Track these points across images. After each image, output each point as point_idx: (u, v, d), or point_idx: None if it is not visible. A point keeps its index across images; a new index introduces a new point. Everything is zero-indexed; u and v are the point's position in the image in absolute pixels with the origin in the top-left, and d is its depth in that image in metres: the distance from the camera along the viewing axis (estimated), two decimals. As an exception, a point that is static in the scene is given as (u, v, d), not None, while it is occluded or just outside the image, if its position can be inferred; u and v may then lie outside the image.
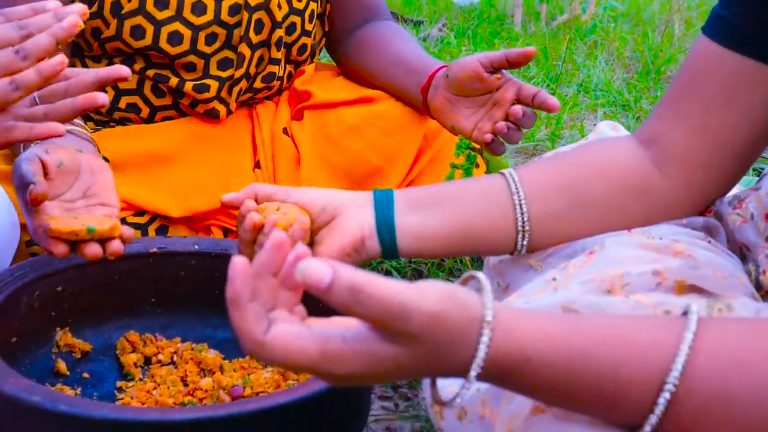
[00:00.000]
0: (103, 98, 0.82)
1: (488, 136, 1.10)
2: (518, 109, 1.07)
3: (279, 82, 1.31)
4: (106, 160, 1.17)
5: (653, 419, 0.53)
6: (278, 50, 1.27)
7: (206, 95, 1.24)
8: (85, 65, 1.23)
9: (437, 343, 0.50)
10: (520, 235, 0.81)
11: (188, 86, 1.22)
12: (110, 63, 1.21)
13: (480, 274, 0.54)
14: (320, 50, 1.41)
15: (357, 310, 0.48)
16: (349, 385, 0.51)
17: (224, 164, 1.24)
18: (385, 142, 1.26)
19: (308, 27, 1.30)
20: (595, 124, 2.09)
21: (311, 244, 0.85)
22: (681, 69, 0.81)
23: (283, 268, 0.51)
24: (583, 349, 0.53)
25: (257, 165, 1.28)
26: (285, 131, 1.29)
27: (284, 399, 0.73)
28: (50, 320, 0.97)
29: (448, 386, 0.57)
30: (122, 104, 1.24)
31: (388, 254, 0.83)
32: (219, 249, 1.03)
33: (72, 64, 1.22)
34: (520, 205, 0.80)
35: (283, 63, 1.30)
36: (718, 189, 0.81)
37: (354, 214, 0.83)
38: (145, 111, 1.26)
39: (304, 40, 1.30)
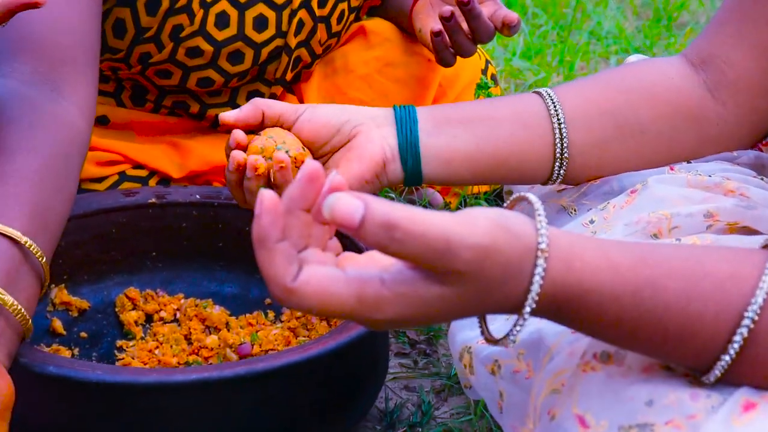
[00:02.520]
0: None
1: (437, 27, 1.01)
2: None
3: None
4: (108, 119, 1.11)
5: (726, 360, 0.47)
6: (305, 69, 1.18)
7: (217, 100, 1.14)
8: None
9: (488, 278, 0.44)
10: (557, 163, 0.73)
11: (210, 114, 1.12)
12: (119, 87, 1.10)
13: (532, 196, 0.48)
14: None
15: (394, 249, 0.42)
16: (391, 328, 0.45)
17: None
18: (398, 92, 1.18)
19: (342, 40, 1.20)
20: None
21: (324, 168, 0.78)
22: None
23: (317, 201, 0.45)
24: (652, 280, 0.46)
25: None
26: (290, 89, 1.21)
27: (295, 357, 0.68)
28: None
29: (492, 323, 0.52)
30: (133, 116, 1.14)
31: (411, 180, 0.75)
32: (222, 198, 0.97)
33: None
34: (560, 129, 0.72)
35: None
36: (758, 127, 0.74)
37: (374, 135, 0.74)
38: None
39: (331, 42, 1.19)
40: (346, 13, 1.13)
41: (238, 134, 0.75)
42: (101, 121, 1.10)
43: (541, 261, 0.45)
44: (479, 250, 0.43)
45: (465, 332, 0.63)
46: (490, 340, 0.49)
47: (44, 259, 0.68)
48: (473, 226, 0.43)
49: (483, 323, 0.51)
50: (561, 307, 0.47)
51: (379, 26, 1.19)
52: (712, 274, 0.47)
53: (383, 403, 0.90)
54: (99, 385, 0.62)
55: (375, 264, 0.45)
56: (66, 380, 0.63)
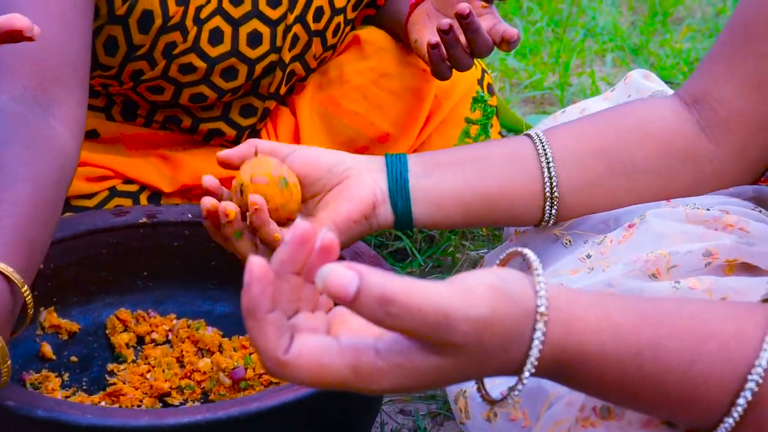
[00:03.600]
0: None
1: (434, 39, 0.98)
2: (464, 7, 0.95)
3: None
4: (98, 133, 1.09)
5: (729, 422, 0.46)
6: (300, 82, 1.17)
7: (220, 140, 1.13)
8: None
9: (487, 348, 0.43)
10: (548, 203, 0.73)
11: (202, 128, 1.10)
12: (109, 102, 1.08)
13: (529, 253, 0.47)
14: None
15: (390, 324, 0.41)
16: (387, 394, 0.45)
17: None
18: (393, 104, 1.16)
19: (338, 51, 1.18)
20: (603, 70, 2.00)
21: (308, 213, 0.77)
22: (732, 20, 0.72)
23: (308, 263, 0.44)
24: (654, 342, 0.46)
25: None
26: (282, 102, 1.19)
27: (289, 397, 0.67)
28: (33, 300, 0.89)
29: (490, 380, 0.51)
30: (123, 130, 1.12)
31: (401, 223, 0.75)
32: (214, 218, 0.95)
33: None
34: (548, 168, 0.72)
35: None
36: (750, 168, 0.73)
37: (365, 178, 0.74)
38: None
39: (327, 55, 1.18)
40: (342, 25, 1.12)
41: (207, 181, 0.76)
42: (91, 135, 1.09)
43: (540, 325, 0.44)
44: (478, 322, 0.42)
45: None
46: (488, 401, 0.48)
47: (29, 296, 0.67)
48: (471, 297, 0.42)
49: (481, 384, 0.50)
50: (561, 369, 0.46)
51: (373, 36, 1.17)
52: (715, 335, 0.46)
53: (379, 428, 0.89)
54: (90, 429, 0.61)
55: (369, 331, 0.44)
56: (55, 424, 0.62)
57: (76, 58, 0.83)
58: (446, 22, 0.97)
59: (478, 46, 0.97)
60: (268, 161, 0.75)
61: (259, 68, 1.05)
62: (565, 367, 0.46)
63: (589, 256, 0.67)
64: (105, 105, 1.09)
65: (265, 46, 1.04)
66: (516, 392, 0.46)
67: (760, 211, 0.69)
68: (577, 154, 0.72)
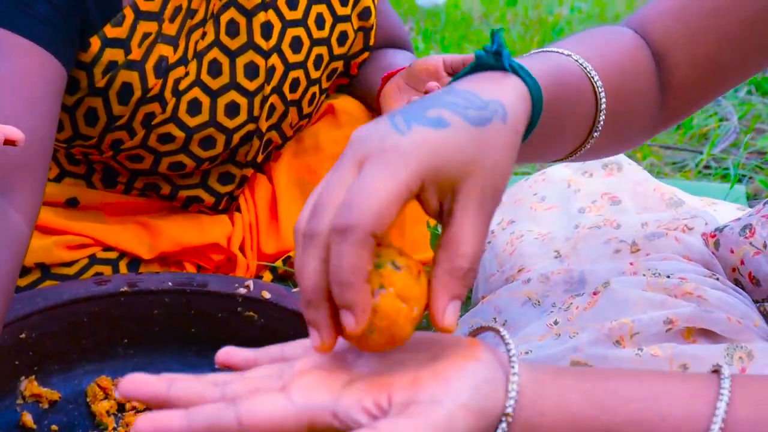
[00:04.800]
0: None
1: None
2: (433, 86, 0.99)
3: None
4: (77, 201, 1.11)
5: None
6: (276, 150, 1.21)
7: (199, 206, 1.16)
8: (57, 161, 1.12)
9: None
10: (601, 101, 0.65)
11: (181, 195, 1.13)
12: (90, 169, 1.11)
13: (505, 333, 0.49)
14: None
15: None
16: None
17: (195, 214, 1.18)
18: None
19: (313, 119, 1.22)
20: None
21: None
22: None
23: None
24: (608, 429, 0.48)
25: (237, 209, 1.20)
26: (260, 169, 1.23)
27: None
28: (14, 369, 0.90)
29: None
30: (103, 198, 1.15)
31: None
32: (195, 285, 0.98)
33: None
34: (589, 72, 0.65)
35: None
36: (685, 116, 0.74)
37: None
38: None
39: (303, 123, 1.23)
40: (317, 95, 1.16)
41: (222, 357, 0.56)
42: (71, 203, 1.11)
43: (503, 425, 0.46)
44: None
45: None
46: None
47: None
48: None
49: None
50: None
51: (347, 105, 1.22)
52: (668, 417, 0.48)
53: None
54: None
55: (326, 388, 0.45)
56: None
57: (41, 145, 0.84)
58: (432, 85, 1.01)
59: None
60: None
61: (236, 137, 1.09)
62: None
63: (556, 323, 0.70)
64: (85, 172, 1.11)
65: (242, 117, 1.08)
66: None
67: (717, 279, 0.73)
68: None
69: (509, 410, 0.46)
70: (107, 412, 0.93)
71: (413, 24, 3.12)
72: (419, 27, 3.08)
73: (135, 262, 1.12)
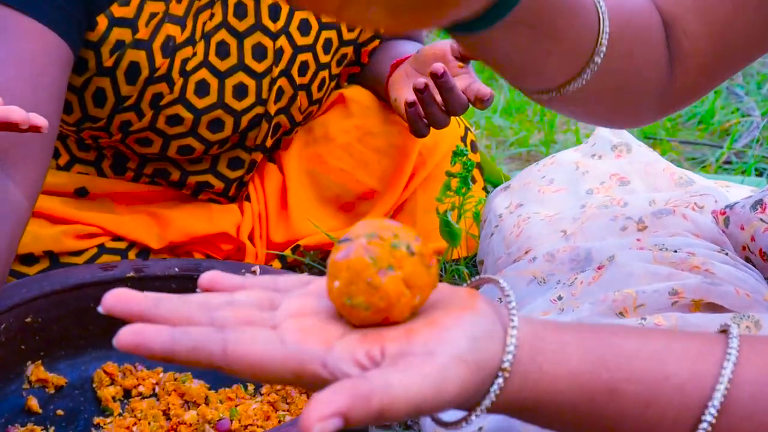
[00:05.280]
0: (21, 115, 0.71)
1: (411, 98, 1.03)
2: (439, 67, 0.98)
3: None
4: (87, 191, 1.12)
5: None
6: (285, 136, 1.21)
7: (208, 194, 1.16)
8: (67, 146, 1.13)
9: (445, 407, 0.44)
10: (603, 21, 0.61)
11: (191, 181, 1.13)
12: (100, 155, 1.12)
13: (504, 283, 0.47)
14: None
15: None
16: None
17: (206, 203, 1.17)
18: (378, 161, 1.19)
19: (323, 107, 1.23)
20: (588, 128, 2.04)
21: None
22: None
23: None
24: (611, 386, 0.46)
25: (246, 198, 1.20)
26: (270, 159, 1.23)
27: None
28: (20, 354, 0.90)
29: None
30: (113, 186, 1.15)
31: None
32: (201, 271, 0.97)
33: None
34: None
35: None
36: (697, 95, 0.71)
37: None
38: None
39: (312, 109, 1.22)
40: (327, 80, 1.15)
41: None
42: (80, 193, 1.11)
43: (500, 380, 0.45)
44: (446, 405, 0.43)
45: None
46: (440, 423, 0.49)
47: None
48: (442, 385, 0.42)
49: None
50: (512, 412, 0.47)
51: (358, 95, 1.21)
52: (673, 376, 0.47)
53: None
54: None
55: (320, 334, 0.44)
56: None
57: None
58: (421, 81, 1.01)
59: (453, 104, 1.01)
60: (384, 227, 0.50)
61: (245, 120, 1.08)
62: (516, 411, 0.47)
63: (560, 298, 0.68)
64: (95, 159, 1.12)
65: (250, 99, 1.07)
66: (464, 424, 0.47)
67: (726, 254, 0.71)
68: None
69: (506, 365, 0.44)
70: (113, 397, 0.93)
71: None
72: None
73: (144, 252, 1.12)
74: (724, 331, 0.49)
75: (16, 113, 0.67)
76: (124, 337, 0.42)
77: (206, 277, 0.49)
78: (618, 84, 0.65)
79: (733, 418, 0.46)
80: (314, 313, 0.45)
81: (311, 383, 0.42)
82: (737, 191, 0.91)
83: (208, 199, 1.17)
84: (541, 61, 0.60)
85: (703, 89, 0.71)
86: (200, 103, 1.05)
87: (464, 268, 1.21)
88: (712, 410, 0.46)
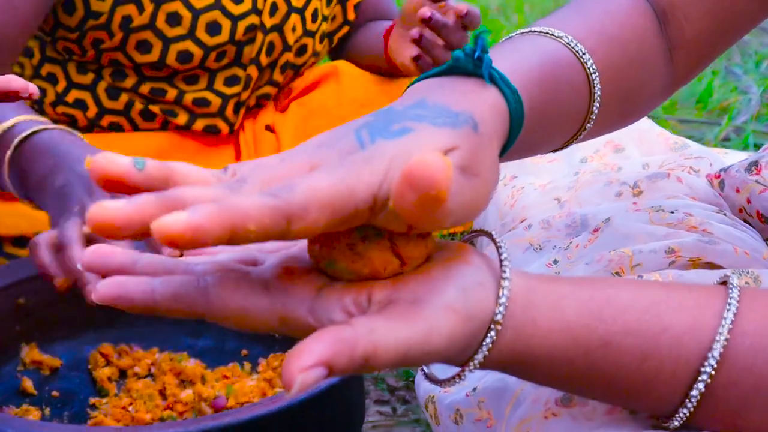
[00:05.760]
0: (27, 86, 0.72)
1: (414, 51, 1.09)
2: (425, 11, 1.03)
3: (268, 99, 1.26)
4: None
5: (684, 413, 0.46)
6: (282, 73, 1.22)
7: (206, 110, 1.17)
8: (66, 72, 1.15)
9: (435, 359, 0.43)
10: (595, 85, 0.59)
11: (188, 99, 1.15)
12: (99, 75, 1.14)
13: (497, 236, 0.45)
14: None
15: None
16: None
17: (205, 165, 1.17)
18: None
19: (318, 48, 1.25)
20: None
21: None
22: None
23: None
24: (606, 339, 0.45)
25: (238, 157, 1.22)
26: (268, 128, 1.23)
27: (263, 410, 0.66)
28: (14, 335, 0.90)
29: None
30: (104, 122, 1.17)
31: None
32: (195, 251, 0.96)
33: (52, 74, 1.15)
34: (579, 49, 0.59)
35: (282, 83, 1.25)
36: (697, 73, 0.69)
37: None
38: (128, 129, 1.18)
39: (311, 60, 1.27)
40: (320, 12, 1.19)
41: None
42: None
43: (492, 333, 0.43)
44: (434, 356, 0.41)
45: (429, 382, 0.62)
46: (433, 380, 0.48)
47: None
48: (429, 335, 0.40)
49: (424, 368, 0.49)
50: (506, 367, 0.46)
51: (351, 68, 1.26)
52: (670, 328, 0.45)
53: (361, 452, 0.89)
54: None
55: (309, 279, 0.42)
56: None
57: (15, 20, 0.89)
58: (426, 10, 1.04)
59: (451, 37, 1.05)
60: None
61: (241, 27, 1.12)
62: (510, 366, 0.46)
63: (555, 262, 0.67)
64: (92, 82, 1.13)
65: (246, 5, 1.12)
66: (457, 380, 0.46)
67: (725, 214, 0.70)
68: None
69: (498, 317, 0.43)
70: (109, 378, 0.92)
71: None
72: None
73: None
74: (724, 282, 0.48)
75: (15, 82, 0.66)
76: (104, 289, 0.40)
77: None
78: (621, 107, 0.64)
79: (732, 371, 0.45)
80: (299, 264, 0.44)
81: (297, 330, 0.41)
82: (735, 156, 0.89)
83: (204, 128, 1.17)
84: (546, 143, 0.61)
85: (703, 65, 0.70)
86: (199, 3, 1.09)
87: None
88: (712, 362, 0.44)
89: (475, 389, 0.57)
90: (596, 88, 0.58)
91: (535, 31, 0.58)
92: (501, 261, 0.45)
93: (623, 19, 0.63)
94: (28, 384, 0.89)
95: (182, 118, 1.16)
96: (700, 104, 1.93)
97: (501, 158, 0.50)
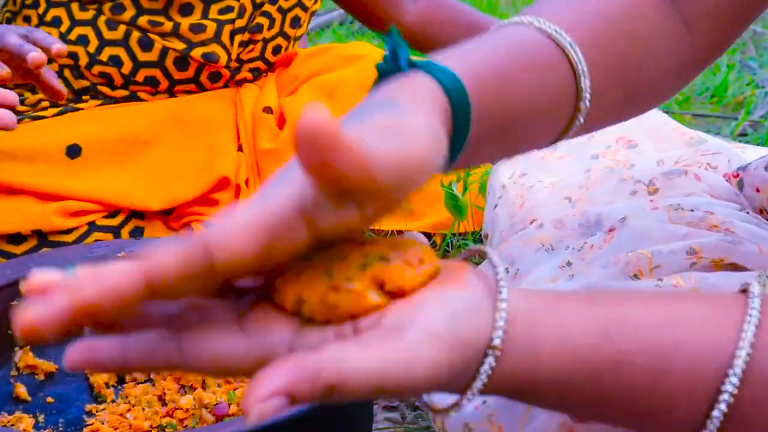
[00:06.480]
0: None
1: None
2: None
3: (263, 45, 1.25)
4: (79, 148, 1.09)
5: None
6: (273, 4, 1.23)
7: (203, 36, 1.18)
8: (70, 12, 1.16)
9: (423, 391, 0.40)
10: (582, 77, 0.55)
11: (184, 27, 1.16)
12: (99, 11, 1.16)
13: (492, 254, 0.42)
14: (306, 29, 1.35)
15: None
16: None
17: (207, 147, 1.16)
18: None
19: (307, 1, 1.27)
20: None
21: None
22: None
23: None
24: (616, 360, 0.42)
25: (240, 148, 1.19)
26: (267, 110, 1.21)
27: (266, 420, 0.63)
28: (7, 339, 0.87)
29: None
30: (104, 56, 1.16)
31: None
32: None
33: (57, 17, 1.17)
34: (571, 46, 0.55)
35: (276, 24, 1.25)
36: (723, 49, 0.65)
37: None
38: (128, 65, 1.17)
39: (297, 12, 1.26)
40: None
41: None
42: (72, 153, 1.09)
43: (490, 359, 0.40)
44: (419, 386, 0.38)
45: (437, 395, 0.58)
46: (433, 409, 0.44)
47: None
48: (412, 364, 0.37)
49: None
50: (511, 393, 0.42)
51: (367, 49, 1.29)
52: (686, 344, 0.42)
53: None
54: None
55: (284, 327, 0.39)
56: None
57: None
58: None
59: None
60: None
61: None
62: (514, 392, 0.42)
63: (569, 264, 0.64)
64: (93, 18, 1.15)
65: None
66: (456, 409, 0.42)
67: (747, 213, 0.66)
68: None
69: (496, 342, 0.40)
70: (106, 383, 0.89)
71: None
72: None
73: (138, 231, 1.08)
74: (744, 291, 0.45)
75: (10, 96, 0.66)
76: (72, 356, 0.38)
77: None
78: (624, 90, 0.59)
79: (757, 387, 0.41)
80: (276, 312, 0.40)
81: None
82: (753, 152, 0.86)
83: (202, 55, 1.17)
84: (528, 141, 0.57)
85: (729, 40, 0.65)
86: None
87: (471, 243, 1.17)
88: (733, 379, 0.41)
89: (485, 402, 0.54)
90: (580, 64, 0.54)
91: (506, 24, 0.55)
92: (498, 281, 0.41)
93: (624, 3, 0.59)
94: (21, 390, 0.86)
95: (179, 46, 1.17)
96: (716, 98, 1.89)
97: (486, 146, 0.49)
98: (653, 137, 0.84)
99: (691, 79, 0.66)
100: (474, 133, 0.48)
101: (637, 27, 0.59)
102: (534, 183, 0.84)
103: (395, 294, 0.39)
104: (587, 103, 0.55)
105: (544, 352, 0.41)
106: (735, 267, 0.60)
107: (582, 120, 0.55)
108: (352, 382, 0.36)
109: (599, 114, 0.57)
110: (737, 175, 0.72)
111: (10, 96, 0.75)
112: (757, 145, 1.61)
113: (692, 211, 0.64)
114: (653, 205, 0.66)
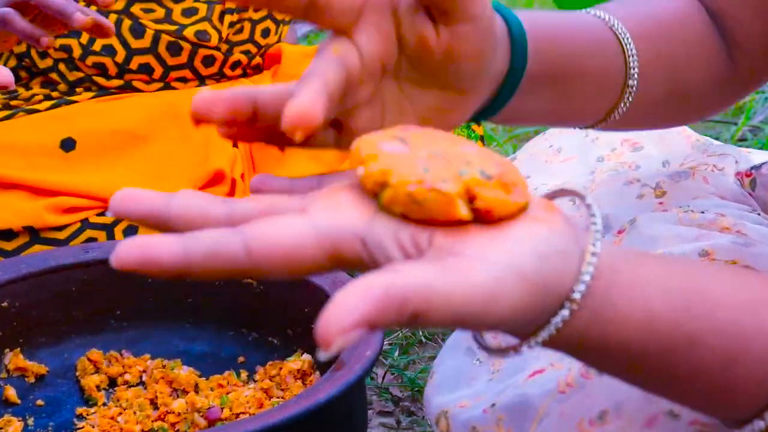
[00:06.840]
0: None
1: None
2: None
3: (251, 26, 1.24)
4: (74, 141, 1.07)
5: (760, 425, 0.40)
6: None
7: (194, 17, 1.18)
8: None
9: (498, 327, 0.37)
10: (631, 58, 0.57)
11: (176, 13, 1.16)
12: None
13: (591, 200, 0.40)
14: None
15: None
16: None
17: (203, 141, 1.14)
18: None
19: None
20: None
21: None
22: None
23: None
24: (692, 337, 0.40)
25: (235, 143, 1.18)
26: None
27: (261, 423, 0.61)
28: (-3, 341, 0.85)
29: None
30: (97, 46, 1.15)
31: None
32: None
33: None
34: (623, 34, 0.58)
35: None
36: (763, 80, 0.67)
37: None
38: (121, 54, 1.15)
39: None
40: None
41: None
42: (67, 146, 1.07)
43: (565, 312, 0.38)
44: (498, 323, 0.36)
45: (441, 396, 0.57)
46: (487, 349, 0.41)
47: None
48: (496, 299, 0.35)
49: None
50: (573, 351, 0.40)
51: None
52: (765, 332, 0.40)
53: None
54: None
55: (357, 213, 0.36)
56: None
57: None
58: None
59: None
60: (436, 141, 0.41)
61: None
62: (577, 350, 0.40)
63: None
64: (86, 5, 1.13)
65: None
66: (512, 353, 0.40)
67: (759, 214, 0.65)
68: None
69: (577, 295, 0.37)
70: (97, 386, 0.88)
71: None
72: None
73: (132, 229, 1.06)
74: None
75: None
76: (126, 252, 0.34)
77: (256, 180, 0.42)
78: (668, 90, 0.60)
79: None
80: (350, 188, 0.38)
81: (351, 265, 0.36)
82: (758, 156, 0.84)
83: (194, 33, 1.16)
84: (576, 106, 0.58)
85: (760, 76, 0.66)
86: None
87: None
88: None
89: (493, 405, 0.52)
90: (632, 56, 0.57)
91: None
92: (594, 232, 0.39)
93: (672, 11, 0.62)
94: (11, 392, 0.84)
95: (171, 28, 1.17)
96: (714, 103, 1.88)
97: (536, 95, 0.54)
98: (659, 141, 0.83)
99: (732, 101, 0.67)
100: (528, 73, 0.51)
101: (686, 33, 0.60)
102: (537, 185, 0.82)
103: (482, 214, 0.36)
104: (635, 81, 0.57)
105: (619, 315, 0.39)
106: (747, 269, 0.59)
107: (627, 104, 0.57)
108: (435, 312, 0.33)
109: (637, 113, 0.58)
110: (750, 174, 0.70)
111: (3, 71, 0.73)
112: (758, 149, 1.60)
113: (703, 212, 0.62)
114: (663, 207, 0.65)
